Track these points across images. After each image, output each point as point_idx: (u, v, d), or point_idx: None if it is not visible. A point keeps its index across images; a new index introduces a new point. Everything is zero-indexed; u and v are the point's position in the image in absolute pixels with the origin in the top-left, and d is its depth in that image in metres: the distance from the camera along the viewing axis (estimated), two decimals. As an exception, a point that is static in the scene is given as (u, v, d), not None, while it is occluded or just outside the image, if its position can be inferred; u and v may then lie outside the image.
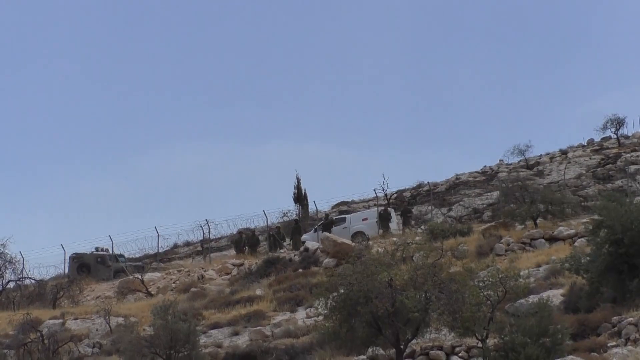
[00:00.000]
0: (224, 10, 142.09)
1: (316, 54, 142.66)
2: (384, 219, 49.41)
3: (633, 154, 61.62)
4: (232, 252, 53.83)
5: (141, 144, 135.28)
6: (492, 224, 42.88)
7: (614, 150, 64.30)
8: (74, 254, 54.23)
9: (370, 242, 43.77)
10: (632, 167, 57.59)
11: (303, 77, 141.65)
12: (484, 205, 58.32)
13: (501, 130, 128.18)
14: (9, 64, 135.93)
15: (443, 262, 25.34)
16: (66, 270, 54.05)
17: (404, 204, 54.41)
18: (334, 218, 52.37)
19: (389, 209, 53.41)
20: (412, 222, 48.96)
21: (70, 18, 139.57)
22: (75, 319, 38.07)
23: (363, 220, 50.43)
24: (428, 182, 63.79)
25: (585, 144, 69.40)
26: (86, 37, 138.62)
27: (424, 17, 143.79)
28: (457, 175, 68.55)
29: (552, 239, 38.49)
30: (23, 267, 50.68)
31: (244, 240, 51.96)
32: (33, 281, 48.61)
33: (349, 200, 66.77)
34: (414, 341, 24.96)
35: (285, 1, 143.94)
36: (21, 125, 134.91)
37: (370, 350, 25.59)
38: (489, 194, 59.95)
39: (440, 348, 25.69)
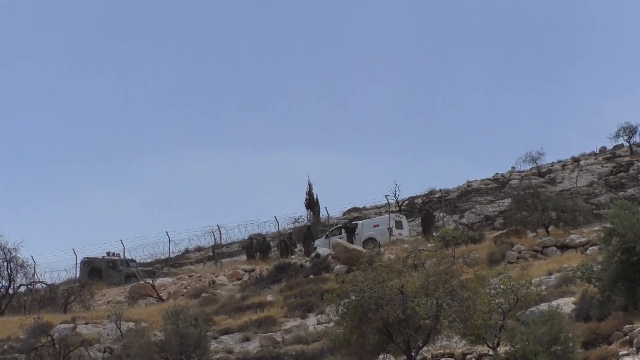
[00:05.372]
0: (230, 19, 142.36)
1: (326, 59, 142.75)
2: (426, 221, 49.28)
3: (645, 162, 61.48)
4: (244, 257, 53.86)
5: (153, 150, 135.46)
6: (504, 231, 42.79)
7: (627, 158, 64.19)
8: (86, 258, 54.34)
9: (382, 249, 43.73)
10: (645, 175, 57.46)
11: (313, 84, 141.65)
12: (496, 213, 58.25)
13: (513, 137, 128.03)
14: (23, 72, 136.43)
15: (454, 269, 25.31)
16: (77, 275, 54.16)
17: (424, 210, 53.49)
18: (354, 223, 51.92)
19: (400, 215, 53.39)
20: (433, 231, 47.84)
21: (77, 29, 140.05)
22: (86, 323, 38.11)
23: (374, 226, 50.36)
24: (440, 189, 63.72)
25: (598, 152, 69.30)
26: (97, 47, 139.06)
27: (436, 23, 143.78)
28: (468, 182, 68.53)
29: (563, 247, 38.41)
30: (34, 271, 50.78)
31: (255, 246, 51.99)
32: (44, 285, 48.72)
33: (361, 206, 66.79)
34: (425, 348, 24.93)
35: (293, 8, 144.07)
36: (33, 131, 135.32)
37: (381, 357, 25.55)
38: (500, 201, 59.90)
39: (452, 355, 25.70)
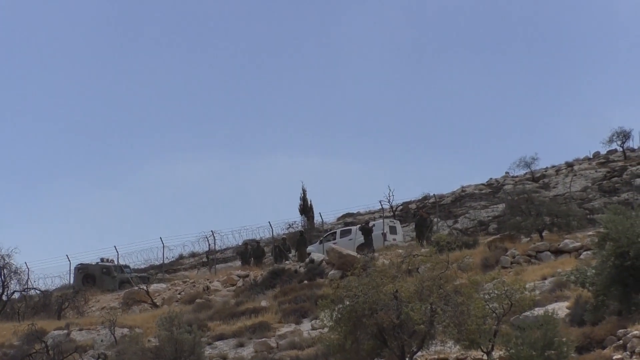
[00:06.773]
0: (226, 23, 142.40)
1: (319, 65, 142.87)
2: (420, 226, 48.84)
3: (639, 167, 61.58)
4: (238, 263, 53.82)
5: (147, 155, 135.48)
6: (498, 236, 42.79)
7: (620, 163, 64.29)
8: (79, 264, 54.29)
9: (376, 254, 43.70)
10: (638, 180, 57.53)
11: (307, 90, 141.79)
12: (490, 218, 58.32)
13: (507, 142, 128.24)
14: (19, 75, 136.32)
15: (448, 274, 25.30)
16: (71, 281, 54.11)
17: (418, 215, 52.98)
18: (371, 225, 51.53)
19: (394, 220, 53.33)
20: (430, 235, 47.08)
21: (76, 31, 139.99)
22: (80, 329, 38.03)
23: (369, 231, 50.25)
24: (434, 194, 63.83)
25: (591, 157, 69.38)
26: (92, 50, 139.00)
27: (430, 28, 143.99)
28: (463, 187, 68.61)
29: (557, 252, 38.38)
30: (28, 277, 50.72)
31: (250, 252, 51.95)
32: (38, 292, 48.59)
33: (355, 212, 66.81)
34: (419, 353, 24.89)
35: (289, 14, 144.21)
36: (27, 136, 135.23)
37: (375, 362, 25.57)
38: (494, 206, 59.96)
39: (446, 360, 25.68)
